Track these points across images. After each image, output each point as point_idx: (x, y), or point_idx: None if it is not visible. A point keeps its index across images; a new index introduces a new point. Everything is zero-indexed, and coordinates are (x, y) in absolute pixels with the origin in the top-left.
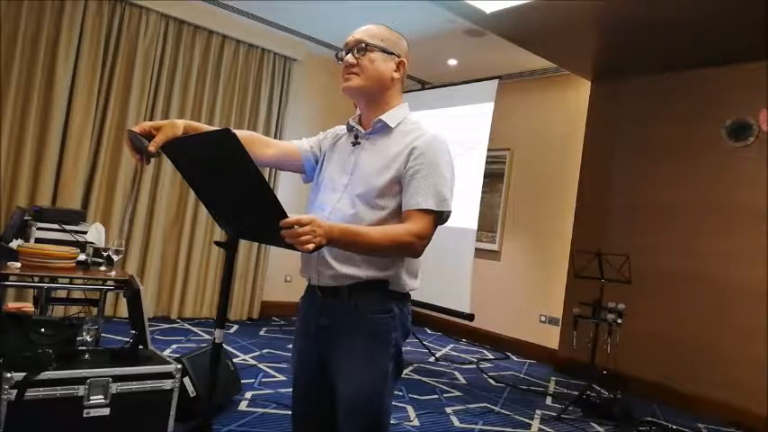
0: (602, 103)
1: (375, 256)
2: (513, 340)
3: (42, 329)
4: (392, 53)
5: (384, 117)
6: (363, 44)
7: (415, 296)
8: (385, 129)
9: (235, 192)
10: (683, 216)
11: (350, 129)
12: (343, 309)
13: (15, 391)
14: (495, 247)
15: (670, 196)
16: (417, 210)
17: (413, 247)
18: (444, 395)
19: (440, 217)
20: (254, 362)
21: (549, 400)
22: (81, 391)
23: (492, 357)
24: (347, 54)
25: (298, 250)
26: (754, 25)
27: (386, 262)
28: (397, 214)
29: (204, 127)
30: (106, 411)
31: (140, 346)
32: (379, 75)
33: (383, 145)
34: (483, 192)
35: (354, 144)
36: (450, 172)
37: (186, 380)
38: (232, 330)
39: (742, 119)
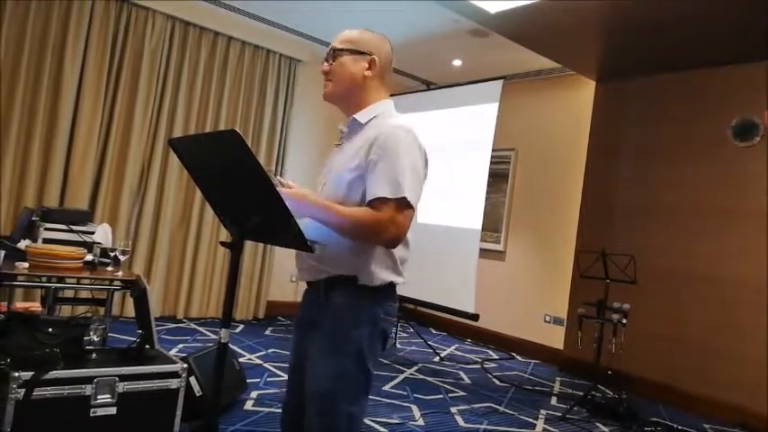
0: (607, 103)
1: (345, 235)
2: (517, 340)
3: (50, 329)
4: (362, 53)
5: (357, 115)
6: (333, 50)
7: (419, 296)
8: (358, 126)
9: (240, 192)
10: (689, 216)
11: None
12: (319, 303)
13: (23, 390)
14: (499, 247)
15: (675, 196)
16: (375, 199)
17: (377, 231)
18: (449, 395)
19: (400, 205)
20: (259, 361)
21: (553, 400)
22: (88, 390)
23: (496, 357)
24: (324, 62)
25: (301, 250)
26: (759, 24)
27: (352, 254)
28: None
29: None
30: (113, 410)
31: (147, 346)
32: (350, 76)
33: (352, 142)
34: (487, 192)
35: (338, 146)
36: (412, 158)
37: (192, 379)
38: (238, 330)
39: (748, 119)
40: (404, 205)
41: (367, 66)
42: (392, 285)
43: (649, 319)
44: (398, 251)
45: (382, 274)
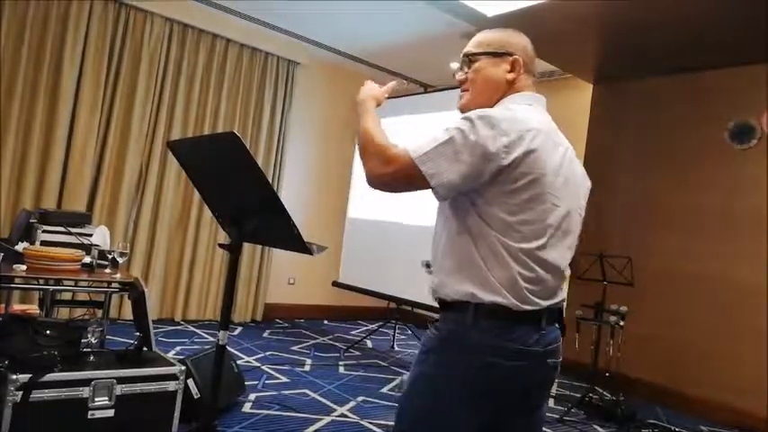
0: (605, 105)
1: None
2: None
3: (48, 331)
4: (502, 54)
5: None
6: (467, 56)
7: (417, 298)
8: None
9: (239, 194)
10: (686, 218)
11: None
12: None
13: (21, 392)
14: None
15: (672, 198)
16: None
17: (371, 151)
18: None
19: (410, 162)
20: (257, 364)
21: (551, 403)
22: (86, 392)
23: None
24: (459, 71)
25: (300, 252)
26: (755, 27)
27: (437, 264)
28: (457, 228)
29: None
30: (111, 413)
31: (145, 348)
32: (490, 82)
33: None
34: None
35: None
36: (446, 132)
37: (190, 381)
38: (236, 332)
39: (745, 121)
40: (412, 163)
41: (509, 68)
42: (477, 306)
43: (647, 321)
44: (492, 267)
45: (460, 286)
